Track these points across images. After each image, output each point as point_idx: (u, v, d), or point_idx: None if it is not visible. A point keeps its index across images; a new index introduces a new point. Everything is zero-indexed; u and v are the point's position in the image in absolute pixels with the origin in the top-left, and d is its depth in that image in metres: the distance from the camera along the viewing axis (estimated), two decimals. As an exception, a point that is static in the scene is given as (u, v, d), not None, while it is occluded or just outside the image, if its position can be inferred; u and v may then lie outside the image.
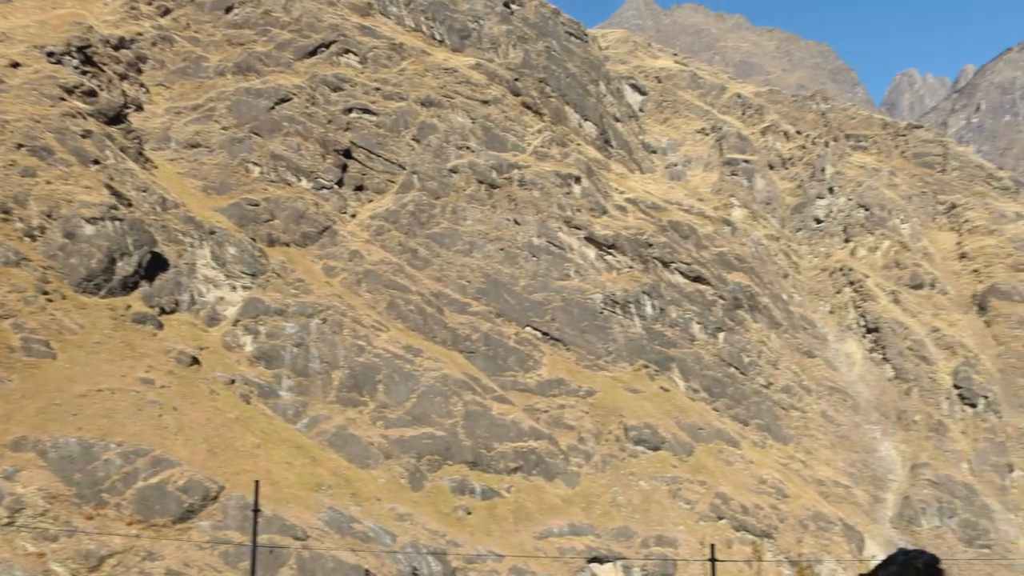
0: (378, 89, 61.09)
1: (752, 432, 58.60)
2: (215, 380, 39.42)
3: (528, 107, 69.83)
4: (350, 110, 58.66)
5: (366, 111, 59.47)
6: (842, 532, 51.69)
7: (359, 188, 55.66)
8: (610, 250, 63.00)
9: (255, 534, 24.16)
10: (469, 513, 40.26)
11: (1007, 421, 69.17)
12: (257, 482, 26.01)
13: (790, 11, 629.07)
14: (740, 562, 43.06)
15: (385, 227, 53.77)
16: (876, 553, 48.90)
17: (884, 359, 73.43)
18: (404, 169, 57.60)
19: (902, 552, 7.05)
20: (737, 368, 62.72)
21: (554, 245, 59.71)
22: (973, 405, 69.68)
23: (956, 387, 70.76)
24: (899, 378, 71.62)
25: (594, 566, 41.05)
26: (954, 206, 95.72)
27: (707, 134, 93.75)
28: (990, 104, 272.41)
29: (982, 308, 79.89)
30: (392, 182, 57.00)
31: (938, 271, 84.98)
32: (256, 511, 24.45)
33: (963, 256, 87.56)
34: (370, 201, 55.59)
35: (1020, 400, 71.18)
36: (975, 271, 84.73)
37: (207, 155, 51.59)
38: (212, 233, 45.98)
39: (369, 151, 56.62)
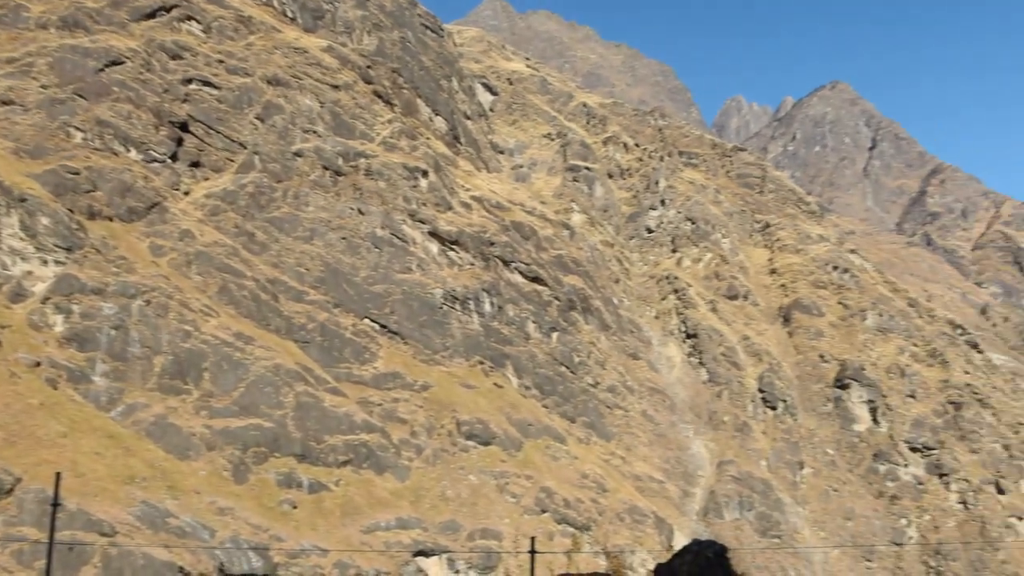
0: (222, 62, 58.11)
1: (578, 429, 61.32)
2: (17, 362, 36.09)
3: (379, 96, 69.03)
4: (189, 81, 55.42)
5: (207, 84, 56.41)
6: (654, 524, 55.25)
7: (195, 164, 52.73)
8: (453, 246, 63.61)
9: (52, 529, 22.48)
10: (295, 507, 39.40)
11: (801, 423, 76.65)
12: (58, 474, 24.14)
13: (636, 28, 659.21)
14: (559, 553, 44.99)
15: (221, 207, 51.32)
16: (683, 543, 52.65)
17: (700, 363, 79.09)
18: (245, 148, 55.20)
19: (695, 543, 7.90)
20: (568, 367, 65.33)
21: (397, 237, 59.48)
22: (773, 408, 76.60)
23: (760, 391, 77.50)
24: (712, 381, 77.43)
25: (420, 559, 41.45)
26: (768, 225, 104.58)
27: (553, 139, 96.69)
28: (804, 134, 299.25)
29: (786, 320, 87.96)
30: (231, 161, 54.46)
31: (751, 284, 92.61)
32: (55, 505, 22.70)
33: (773, 271, 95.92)
34: (206, 179, 52.80)
35: (813, 404, 79.10)
36: (782, 286, 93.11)
37: (21, 114, 46.90)
38: (23, 201, 41.95)
39: (208, 126, 53.77)
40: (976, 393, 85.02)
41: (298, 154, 57.77)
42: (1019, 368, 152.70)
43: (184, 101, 53.85)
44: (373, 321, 53.85)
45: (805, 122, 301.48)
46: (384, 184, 61.35)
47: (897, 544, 66.35)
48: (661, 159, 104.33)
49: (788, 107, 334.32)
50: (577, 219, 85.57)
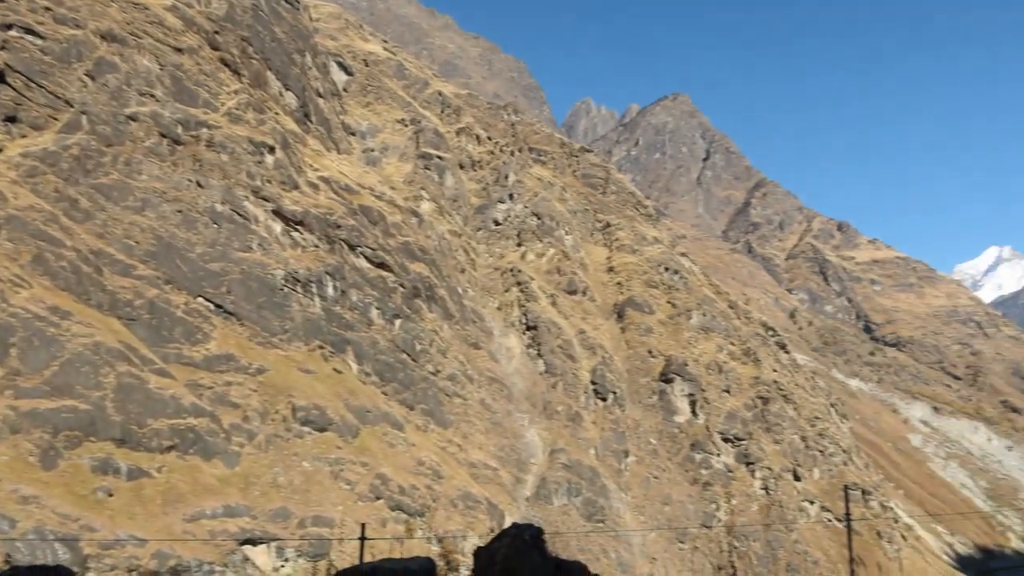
0: (48, 10, 53.10)
1: (417, 416, 61.67)
2: None
3: (226, 64, 65.75)
4: (9, 27, 50.24)
5: (30, 32, 51.38)
6: (487, 510, 56.68)
7: (10, 119, 47.95)
8: (297, 226, 61.90)
9: None
10: (111, 495, 37.07)
11: (628, 414, 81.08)
12: None
13: (494, 22, 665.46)
14: (390, 539, 45.22)
15: (40, 169, 47.06)
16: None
17: (539, 355, 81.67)
18: (72, 107, 50.84)
19: (514, 526, 8.35)
20: (409, 355, 65.46)
21: (238, 214, 57.09)
22: (604, 399, 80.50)
23: (593, 383, 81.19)
24: (548, 372, 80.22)
25: (247, 548, 40.28)
26: (608, 225, 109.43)
27: (406, 125, 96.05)
28: (646, 141, 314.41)
29: (620, 316, 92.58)
30: (55, 119, 50.00)
31: (590, 280, 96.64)
32: None
33: (611, 269, 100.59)
34: (23, 136, 48.17)
35: (639, 396, 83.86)
36: (618, 283, 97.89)
37: None
38: None
39: (29, 79, 49.04)
40: (781, 389, 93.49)
41: (132, 118, 53.96)
42: (819, 368, 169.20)
43: (1, 48, 48.84)
44: (207, 300, 51.46)
45: (648, 129, 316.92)
46: (227, 157, 58.61)
47: (707, 527, 71.90)
48: (512, 154, 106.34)
49: (633, 114, 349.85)
50: (426, 207, 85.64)
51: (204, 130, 58.31)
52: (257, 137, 62.52)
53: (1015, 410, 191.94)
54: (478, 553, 7.83)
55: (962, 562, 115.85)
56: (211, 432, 44.05)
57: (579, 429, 76.07)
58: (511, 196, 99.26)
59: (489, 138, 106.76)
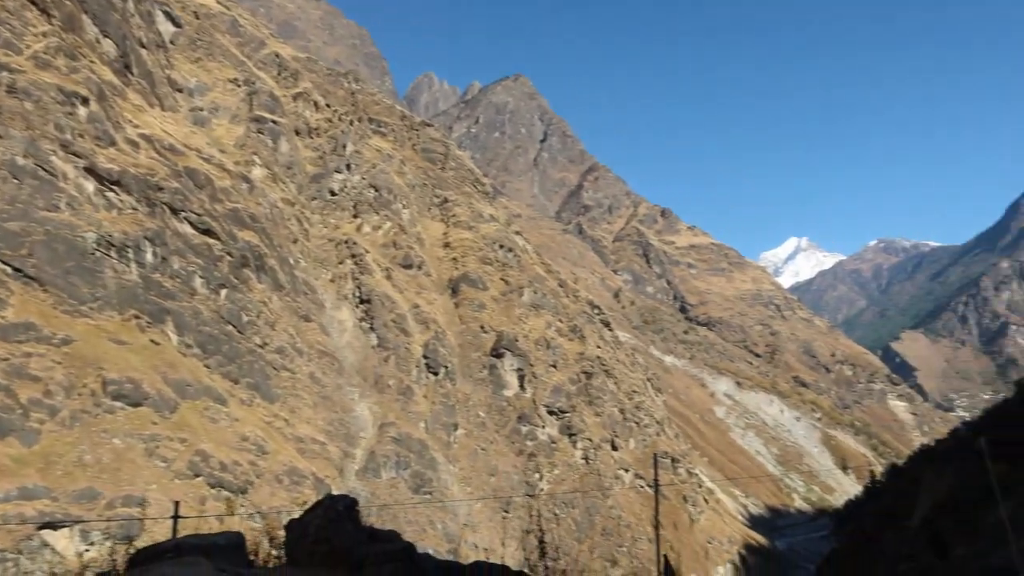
0: None
1: (241, 391, 59.62)
2: None
3: (33, 3, 59.45)
4: None
5: None
6: (313, 485, 56.01)
7: None
8: (113, 186, 57.48)
9: None
10: None
11: (459, 388, 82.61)
12: None
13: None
14: (210, 517, 43.75)
15: None
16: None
17: (371, 328, 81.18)
18: None
19: (328, 497, 8.54)
20: (235, 326, 63.00)
21: (44, 169, 52.16)
22: (436, 373, 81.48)
23: (425, 357, 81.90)
24: (381, 346, 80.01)
25: (45, 533, 37.53)
26: (446, 201, 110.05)
27: (239, 85, 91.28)
28: (486, 120, 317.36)
29: (454, 291, 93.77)
30: None
31: (426, 255, 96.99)
32: None
33: (447, 245, 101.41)
34: None
35: (471, 371, 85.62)
36: (454, 259, 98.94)
37: None
38: None
39: None
40: (604, 365, 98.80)
41: (-88, 54, 47.73)
42: (638, 345, 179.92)
43: None
44: (6, 264, 46.84)
45: (489, 108, 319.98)
46: (32, 106, 53.25)
47: (530, 496, 75.05)
48: (351, 123, 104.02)
49: (475, 91, 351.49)
50: (258, 173, 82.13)
51: (5, 74, 52.62)
52: (68, 86, 57.22)
53: (804, 385, 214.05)
54: (290, 525, 7.98)
55: (754, 521, 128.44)
56: (6, 408, 40.45)
57: (410, 403, 76.64)
58: (348, 166, 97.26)
59: (328, 105, 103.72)
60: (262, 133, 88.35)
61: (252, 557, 8.40)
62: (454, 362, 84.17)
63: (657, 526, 30.21)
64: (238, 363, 61.10)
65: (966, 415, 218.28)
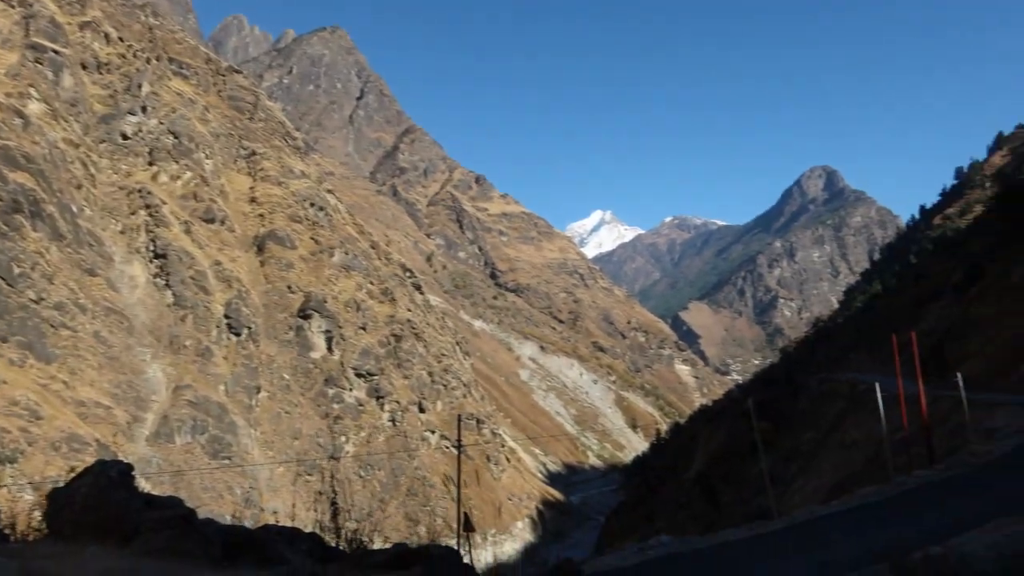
0: None
1: (12, 350, 53.81)
2: None
3: None
4: None
5: None
6: (96, 452, 51.94)
7: None
8: None
9: None
10: None
11: (263, 349, 79.67)
12: None
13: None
14: (-26, 489, 39.41)
15: None
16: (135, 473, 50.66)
17: (167, 285, 75.97)
18: None
19: (98, 463, 8.01)
20: (5, 279, 56.54)
21: None
22: (238, 334, 77.96)
23: (227, 317, 78.03)
24: (178, 305, 75.18)
25: None
26: (254, 153, 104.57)
27: (13, 7, 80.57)
28: (301, 71, 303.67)
29: (260, 249, 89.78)
30: None
31: (230, 210, 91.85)
32: None
33: (253, 200, 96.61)
34: None
35: (276, 332, 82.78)
36: (261, 215, 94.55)
37: None
38: None
39: None
40: (414, 328, 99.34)
41: None
42: (449, 309, 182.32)
43: None
44: None
45: (303, 59, 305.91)
46: None
47: (335, 458, 74.36)
48: (148, 61, 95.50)
49: (289, 40, 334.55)
50: (35, 108, 73.35)
51: None
52: None
53: (602, 350, 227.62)
54: (54, 494, 7.34)
55: (552, 477, 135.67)
56: None
57: (209, 365, 72.89)
58: (144, 109, 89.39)
59: (121, 39, 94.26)
60: (41, 63, 78.85)
61: (8, 531, 7.78)
62: (258, 323, 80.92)
63: (459, 485, 31.21)
64: (8, 319, 55.01)
65: (739, 379, 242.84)
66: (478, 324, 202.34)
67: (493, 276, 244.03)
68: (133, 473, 8.15)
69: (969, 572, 13.12)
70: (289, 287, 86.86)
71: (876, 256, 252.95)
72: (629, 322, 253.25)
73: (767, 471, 39.63)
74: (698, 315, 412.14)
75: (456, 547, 22.31)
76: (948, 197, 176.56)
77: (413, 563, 6.28)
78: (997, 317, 63.09)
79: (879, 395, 35.02)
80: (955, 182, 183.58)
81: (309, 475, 68.59)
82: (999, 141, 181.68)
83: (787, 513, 27.48)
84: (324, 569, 5.78)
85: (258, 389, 75.37)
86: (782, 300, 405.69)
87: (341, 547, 7.24)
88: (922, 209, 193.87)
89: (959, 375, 38.88)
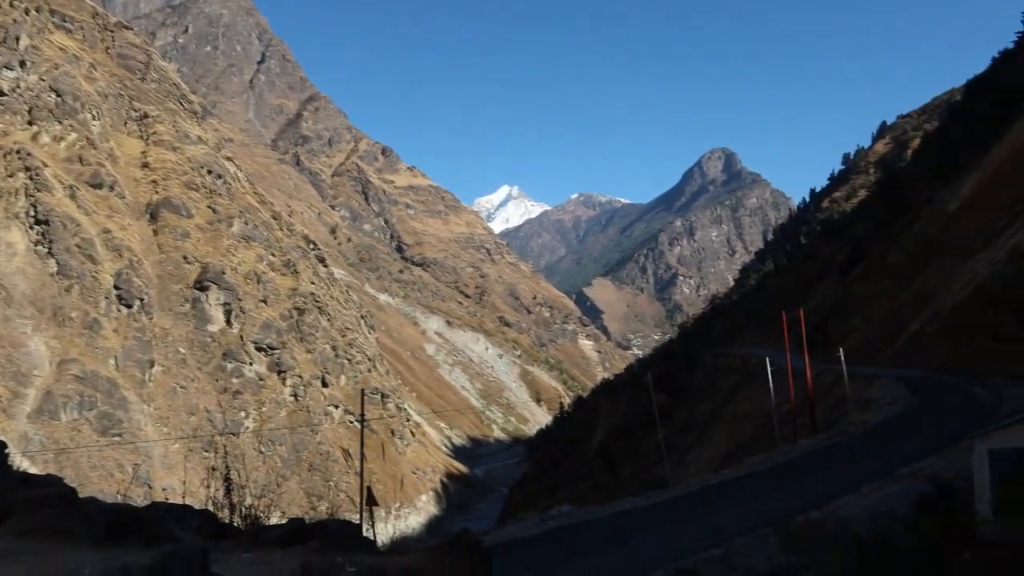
0: None
1: None
2: None
3: None
4: None
5: None
6: (-30, 430, 48.81)
7: None
8: None
9: None
10: None
11: (156, 322, 76.39)
12: None
13: None
14: None
15: None
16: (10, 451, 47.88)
17: (49, 253, 71.61)
18: None
19: None
20: None
21: None
22: (129, 306, 74.39)
23: (117, 288, 74.26)
24: (62, 274, 71.04)
25: None
26: (147, 116, 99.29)
27: None
28: (197, 31, 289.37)
29: (153, 217, 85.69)
30: None
31: (120, 175, 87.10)
32: None
33: (146, 166, 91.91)
34: None
35: (170, 304, 79.48)
36: (154, 182, 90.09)
37: None
38: None
39: None
40: (318, 301, 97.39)
41: None
42: (353, 282, 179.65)
43: None
44: None
45: (200, 18, 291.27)
46: None
47: (234, 434, 72.39)
48: (27, 12, 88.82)
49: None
50: None
51: None
52: None
53: (507, 324, 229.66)
54: None
55: (457, 451, 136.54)
56: None
57: (97, 338, 69.36)
58: (22, 63, 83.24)
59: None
60: (-98, 9, 72.18)
61: None
62: (151, 294, 77.44)
63: (362, 459, 31.00)
64: None
65: (640, 353, 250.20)
66: (383, 298, 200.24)
67: (399, 250, 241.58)
68: (7, 451, 7.72)
69: (846, 533, 14.00)
70: (185, 257, 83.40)
71: (770, 236, 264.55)
72: (535, 297, 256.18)
73: (664, 442, 41.13)
74: (602, 291, 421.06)
75: (359, 521, 22.18)
76: (836, 182, 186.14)
77: (310, 537, 6.22)
78: (876, 296, 67.29)
79: (769, 369, 36.87)
80: (842, 167, 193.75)
81: (207, 452, 66.52)
82: (883, 130, 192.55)
83: (682, 482, 28.64)
84: (216, 546, 5.64)
85: (152, 363, 72.34)
86: (681, 277, 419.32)
87: (235, 523, 7.06)
88: (812, 192, 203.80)
89: (841, 350, 41.32)
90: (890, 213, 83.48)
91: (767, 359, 37.95)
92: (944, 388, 34.84)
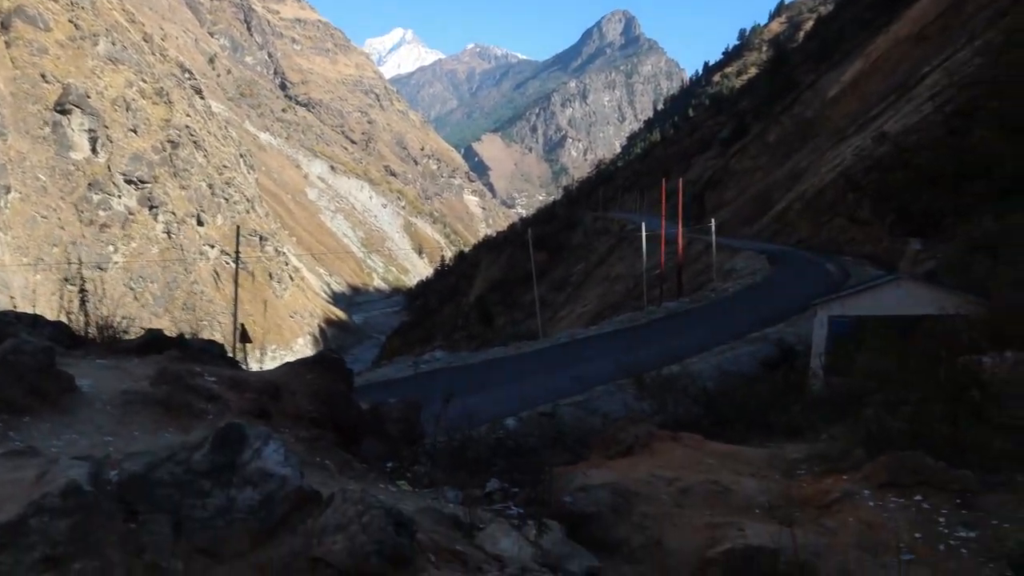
0: None
1: None
2: None
3: None
4: None
5: None
6: None
7: None
8: None
9: None
10: None
11: (12, 144, 70.25)
12: None
13: None
14: None
15: None
16: None
17: None
18: None
19: None
20: None
21: None
22: (-22, 125, 67.80)
23: (-38, 103, 67.23)
24: None
25: None
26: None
27: None
28: None
29: (4, 27, 76.69)
30: None
31: (-40, -27, 76.65)
32: None
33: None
34: None
35: (27, 126, 72.99)
36: (2, -15, 79.93)
37: None
38: None
39: None
40: (193, 136, 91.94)
41: None
42: (232, 118, 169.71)
43: None
44: None
45: None
46: None
47: (101, 268, 69.47)
48: None
49: None
50: None
51: None
52: None
53: (393, 174, 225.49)
54: None
55: (336, 297, 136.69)
56: None
57: (-59, 156, 63.35)
58: None
59: None
60: None
61: None
62: (4, 113, 70.67)
63: (236, 295, 30.83)
64: None
65: (524, 212, 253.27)
66: (265, 137, 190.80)
67: (283, 87, 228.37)
68: None
69: (695, 386, 15.68)
70: (43, 76, 75.85)
71: (660, 106, 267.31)
72: (423, 148, 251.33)
73: (539, 298, 43.01)
74: (490, 147, 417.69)
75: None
76: (729, 57, 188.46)
77: (168, 348, 6.08)
78: (751, 172, 70.61)
79: (643, 235, 38.72)
80: (737, 43, 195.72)
81: (72, 285, 63.72)
82: (779, 8, 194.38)
83: (553, 335, 30.43)
84: (67, 353, 5.49)
85: (8, 189, 67.13)
86: (571, 140, 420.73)
87: (91, 336, 6.79)
88: (705, 66, 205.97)
89: (713, 221, 43.74)
90: (775, 92, 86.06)
91: (643, 225, 39.74)
92: (800, 262, 37.82)
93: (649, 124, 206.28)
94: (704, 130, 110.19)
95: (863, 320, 14.85)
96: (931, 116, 36.84)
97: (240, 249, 31.14)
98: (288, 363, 5.38)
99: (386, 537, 2.22)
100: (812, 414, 9.48)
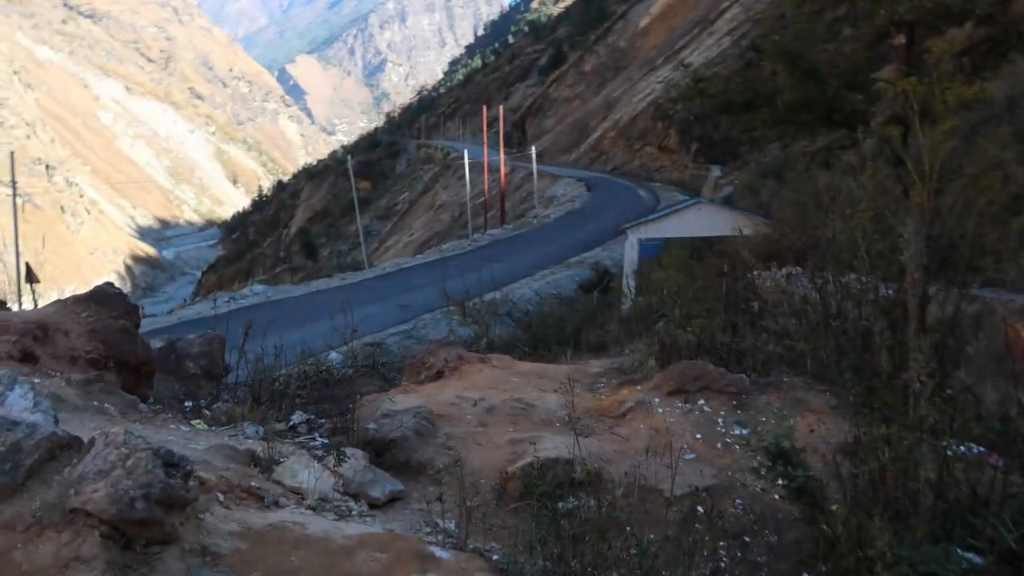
0: None
1: None
2: None
3: None
4: None
5: None
6: None
7: None
8: None
9: None
10: None
11: None
12: None
13: None
14: None
15: None
16: None
17: None
18: None
19: None
20: None
21: None
22: None
23: None
24: None
25: None
26: None
27: None
28: None
29: None
30: None
31: None
32: None
33: None
34: None
35: None
36: None
37: None
38: None
39: None
40: (-47, 49, 79.94)
41: None
42: (3, 30, 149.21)
43: None
44: None
45: None
46: None
47: None
48: None
49: None
50: None
51: None
52: None
53: (200, 97, 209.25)
54: None
55: (143, 232, 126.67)
56: None
57: None
58: None
59: None
60: None
61: None
62: None
63: (16, 231, 27.70)
64: None
65: (345, 139, 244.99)
66: (43, 52, 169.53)
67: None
68: None
69: (517, 310, 16.14)
70: None
71: (481, 32, 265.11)
72: (231, 70, 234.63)
73: (362, 228, 42.23)
74: (306, 70, 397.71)
75: (17, 301, 20.39)
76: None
77: None
78: (569, 100, 72.29)
79: (466, 163, 38.82)
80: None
81: None
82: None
83: (379, 265, 30.12)
84: None
85: None
86: (391, 64, 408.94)
87: None
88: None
89: (533, 149, 44.57)
90: (590, 22, 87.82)
91: (465, 152, 39.77)
92: (615, 189, 39.57)
93: (470, 50, 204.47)
94: (524, 58, 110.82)
95: (669, 242, 15.87)
96: (729, 49, 39.29)
97: (20, 179, 27.84)
98: (59, 300, 4.86)
99: (153, 480, 2.08)
100: (619, 331, 10.08)
